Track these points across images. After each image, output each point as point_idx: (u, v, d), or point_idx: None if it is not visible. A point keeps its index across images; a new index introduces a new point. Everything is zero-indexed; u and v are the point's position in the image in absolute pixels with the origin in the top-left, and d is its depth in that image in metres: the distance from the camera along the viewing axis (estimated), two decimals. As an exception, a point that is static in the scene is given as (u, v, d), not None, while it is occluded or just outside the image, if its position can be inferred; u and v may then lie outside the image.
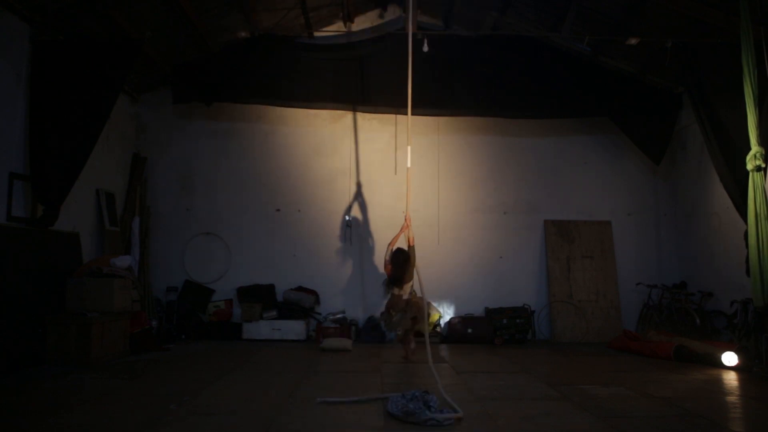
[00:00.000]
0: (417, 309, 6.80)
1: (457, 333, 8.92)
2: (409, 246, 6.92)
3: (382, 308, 7.41)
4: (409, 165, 6.83)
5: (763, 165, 6.28)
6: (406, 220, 7.05)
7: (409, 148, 6.83)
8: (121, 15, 7.15)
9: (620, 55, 8.94)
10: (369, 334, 8.88)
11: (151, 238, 9.27)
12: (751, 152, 6.31)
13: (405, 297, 6.89)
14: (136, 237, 8.77)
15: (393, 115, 9.46)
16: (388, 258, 7.02)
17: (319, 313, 9.28)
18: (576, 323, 9.31)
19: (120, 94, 7.74)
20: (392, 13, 9.76)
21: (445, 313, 9.44)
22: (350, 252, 9.54)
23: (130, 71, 7.55)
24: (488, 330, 8.88)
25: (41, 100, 6.76)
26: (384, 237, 9.50)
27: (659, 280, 9.43)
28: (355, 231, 9.56)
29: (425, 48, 7.79)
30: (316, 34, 9.42)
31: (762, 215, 6.14)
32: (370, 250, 9.54)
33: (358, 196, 9.63)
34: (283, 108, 9.42)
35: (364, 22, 9.74)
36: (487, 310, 9.20)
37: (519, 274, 9.66)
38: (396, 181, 9.63)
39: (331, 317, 9.03)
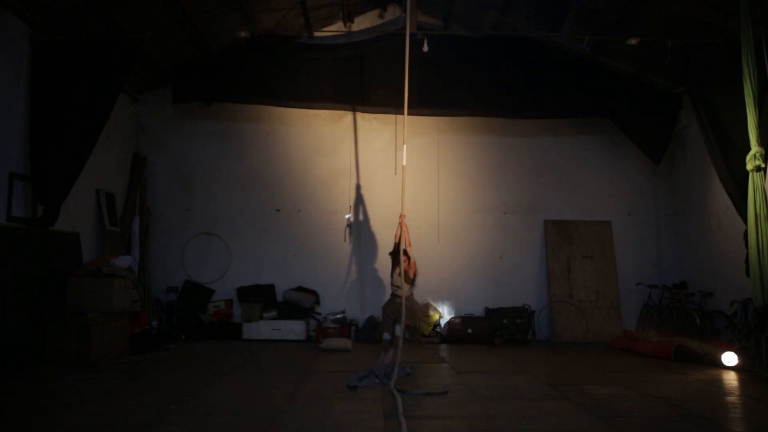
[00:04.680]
0: (411, 315, 6.58)
1: (457, 333, 8.91)
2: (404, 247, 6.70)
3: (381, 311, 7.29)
4: (405, 163, 6.67)
5: (763, 165, 6.28)
6: (400, 218, 6.83)
7: (405, 146, 6.69)
8: (121, 15, 7.15)
9: (620, 55, 8.94)
10: (369, 334, 8.87)
11: (151, 238, 9.26)
12: (751, 152, 6.31)
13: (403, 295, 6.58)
14: (136, 237, 8.78)
15: (393, 115, 9.45)
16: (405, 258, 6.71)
17: (319, 313, 9.27)
18: (576, 323, 9.30)
19: (120, 94, 7.74)
20: (392, 13, 9.77)
21: (445, 314, 9.43)
22: (350, 252, 9.53)
23: (130, 71, 7.55)
24: (488, 330, 8.88)
25: (41, 100, 6.76)
26: (384, 237, 9.53)
27: (659, 280, 9.43)
28: (355, 231, 9.56)
29: (425, 48, 7.78)
30: (316, 34, 9.42)
31: (762, 215, 6.14)
32: (370, 250, 9.53)
33: (359, 196, 9.63)
34: (283, 108, 9.42)
35: (364, 22, 9.74)
36: (487, 310, 9.20)
37: (519, 274, 9.65)
38: (396, 181, 9.57)
39: (331, 317, 9.03)
